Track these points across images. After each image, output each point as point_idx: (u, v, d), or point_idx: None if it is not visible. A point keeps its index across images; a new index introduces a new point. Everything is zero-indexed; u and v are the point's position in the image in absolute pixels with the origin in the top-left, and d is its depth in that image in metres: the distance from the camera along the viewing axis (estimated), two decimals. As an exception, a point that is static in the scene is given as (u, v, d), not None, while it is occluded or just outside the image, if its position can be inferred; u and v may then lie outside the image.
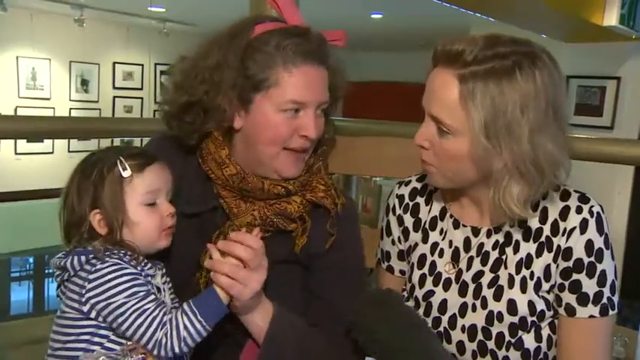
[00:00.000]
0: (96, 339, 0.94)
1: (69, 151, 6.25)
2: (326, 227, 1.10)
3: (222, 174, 1.07)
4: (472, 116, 0.93)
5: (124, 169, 0.98)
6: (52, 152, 6.21)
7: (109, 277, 0.93)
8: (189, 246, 1.07)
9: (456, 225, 1.10)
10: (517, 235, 1.04)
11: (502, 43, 0.95)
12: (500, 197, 0.97)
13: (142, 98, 6.93)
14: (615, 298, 1.00)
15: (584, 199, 1.02)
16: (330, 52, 1.08)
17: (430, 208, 1.15)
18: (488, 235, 1.07)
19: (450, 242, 1.10)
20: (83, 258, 0.95)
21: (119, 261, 0.95)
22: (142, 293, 0.93)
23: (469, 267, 1.07)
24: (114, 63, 6.69)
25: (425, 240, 1.14)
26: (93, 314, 0.94)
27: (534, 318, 1.01)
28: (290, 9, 1.09)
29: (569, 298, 1.00)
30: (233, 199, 1.08)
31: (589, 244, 0.98)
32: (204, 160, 1.09)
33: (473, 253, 1.08)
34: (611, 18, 3.43)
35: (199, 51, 1.09)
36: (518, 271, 1.03)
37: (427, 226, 1.14)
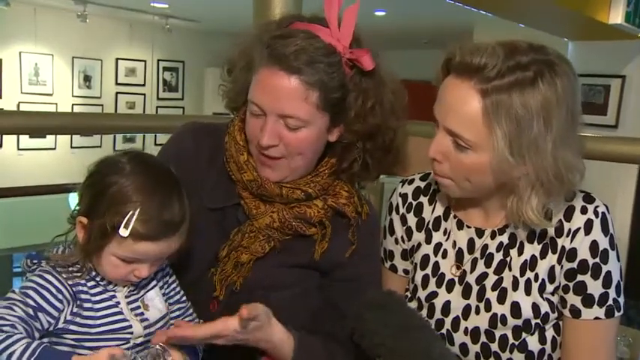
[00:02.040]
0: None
1: (71, 147, 6.25)
2: (347, 236, 1.08)
3: (241, 178, 1.06)
4: (496, 133, 0.91)
5: (125, 227, 0.87)
6: (54, 148, 6.22)
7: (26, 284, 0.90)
8: (210, 239, 1.06)
9: (460, 226, 1.09)
10: (521, 237, 1.03)
11: (521, 51, 0.92)
12: (522, 208, 0.96)
13: (144, 94, 6.93)
14: (621, 300, 0.99)
15: (589, 199, 1.00)
16: (317, 65, 0.96)
17: (434, 208, 1.14)
18: (493, 236, 1.06)
19: (454, 243, 1.09)
20: (28, 262, 0.93)
21: (48, 270, 0.90)
22: (14, 301, 0.86)
23: (473, 269, 1.06)
24: (116, 59, 6.69)
25: (428, 240, 1.13)
26: None
27: (538, 320, 1.00)
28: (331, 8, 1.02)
29: (573, 299, 0.99)
30: (253, 200, 1.07)
31: (594, 245, 0.97)
32: (227, 161, 1.09)
33: (477, 254, 1.07)
34: (616, 16, 3.40)
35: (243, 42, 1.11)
36: (522, 274, 1.02)
37: (430, 226, 1.13)
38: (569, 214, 1.00)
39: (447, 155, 0.98)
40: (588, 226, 0.98)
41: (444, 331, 1.06)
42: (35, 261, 0.93)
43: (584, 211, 0.99)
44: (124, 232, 0.87)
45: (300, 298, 1.09)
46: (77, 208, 0.95)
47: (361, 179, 1.14)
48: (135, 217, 0.88)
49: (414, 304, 1.11)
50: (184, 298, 1.04)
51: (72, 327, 0.90)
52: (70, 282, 0.91)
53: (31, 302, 0.87)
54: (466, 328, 1.04)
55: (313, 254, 1.07)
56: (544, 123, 0.90)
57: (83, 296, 0.92)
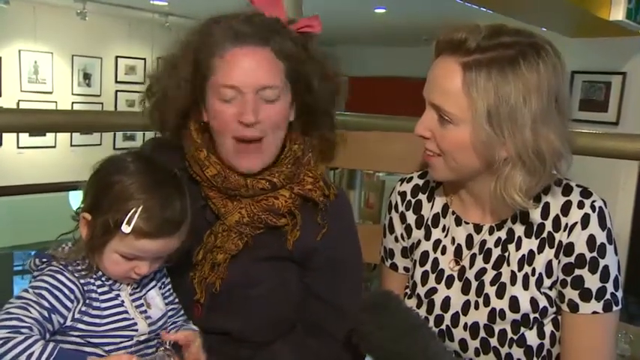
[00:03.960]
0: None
1: (71, 145, 6.25)
2: (316, 220, 1.08)
3: (204, 176, 1.07)
4: (475, 104, 0.92)
5: (128, 224, 0.88)
6: (54, 146, 6.21)
7: (34, 284, 0.90)
8: None
9: (458, 222, 1.09)
10: (519, 232, 1.03)
11: (506, 32, 0.94)
12: (502, 187, 0.96)
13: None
14: (619, 294, 0.99)
15: (586, 193, 1.00)
16: (280, 35, 1.03)
17: (432, 205, 1.14)
18: (491, 232, 1.06)
19: (453, 239, 1.09)
20: (37, 260, 0.94)
21: (59, 270, 0.91)
22: (28, 301, 0.86)
23: (472, 264, 1.06)
24: (116, 57, 6.68)
25: (427, 237, 1.13)
26: None
27: (537, 315, 1.00)
28: (266, 3, 1.07)
29: (571, 294, 0.99)
30: (220, 199, 1.07)
31: (591, 240, 0.97)
32: (189, 165, 1.09)
33: (475, 250, 1.07)
34: (617, 12, 3.40)
35: (170, 53, 1.13)
36: (520, 268, 1.02)
37: (429, 222, 1.13)
38: (566, 209, 1.00)
39: (433, 131, 0.99)
40: (585, 221, 0.98)
41: (443, 327, 1.05)
42: (45, 260, 0.94)
43: (580, 205, 0.99)
44: (126, 228, 0.89)
45: (279, 291, 1.09)
46: (81, 205, 0.96)
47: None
48: (137, 214, 0.89)
49: (413, 301, 1.11)
50: (177, 299, 1.06)
51: (79, 325, 0.91)
52: (82, 280, 0.92)
53: (46, 304, 0.87)
54: (465, 324, 1.04)
55: (286, 244, 1.07)
56: (523, 99, 0.91)
57: (93, 295, 0.93)
